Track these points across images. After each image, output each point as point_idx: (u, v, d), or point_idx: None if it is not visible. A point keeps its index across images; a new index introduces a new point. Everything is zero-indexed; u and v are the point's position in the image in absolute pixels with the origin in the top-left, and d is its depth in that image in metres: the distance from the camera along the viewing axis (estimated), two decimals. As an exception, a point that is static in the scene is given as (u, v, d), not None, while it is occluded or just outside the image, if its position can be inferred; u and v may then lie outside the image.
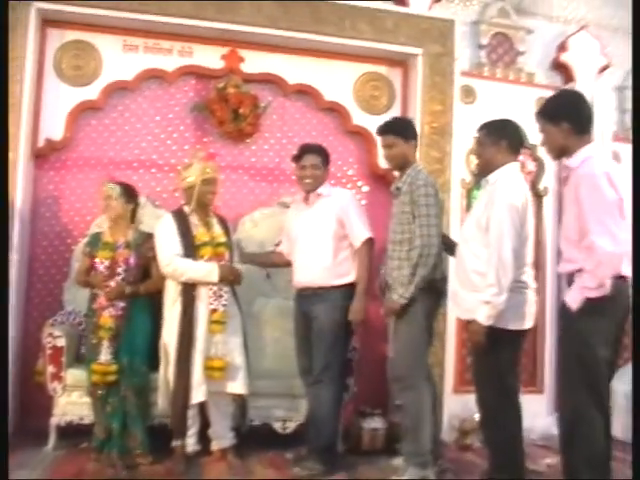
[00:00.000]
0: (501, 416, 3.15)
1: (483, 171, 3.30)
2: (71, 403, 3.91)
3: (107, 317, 3.75)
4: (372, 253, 3.76)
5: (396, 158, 3.53)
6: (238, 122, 4.65)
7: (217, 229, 3.84)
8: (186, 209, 3.84)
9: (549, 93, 3.48)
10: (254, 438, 4.01)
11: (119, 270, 3.85)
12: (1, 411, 2.81)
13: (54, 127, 4.49)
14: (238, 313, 3.85)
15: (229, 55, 4.70)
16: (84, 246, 4.05)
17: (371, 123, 4.68)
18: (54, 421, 3.92)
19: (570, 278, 2.81)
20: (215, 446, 3.82)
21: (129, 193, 3.94)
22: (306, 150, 3.85)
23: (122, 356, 3.73)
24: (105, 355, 3.70)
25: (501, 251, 2.99)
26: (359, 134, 4.93)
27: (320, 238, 3.76)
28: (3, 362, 2.96)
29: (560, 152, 2.86)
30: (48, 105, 4.49)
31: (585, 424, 2.70)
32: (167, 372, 3.73)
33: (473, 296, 3.10)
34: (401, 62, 4.93)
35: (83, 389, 3.86)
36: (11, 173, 4.16)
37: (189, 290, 3.70)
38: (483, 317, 3.04)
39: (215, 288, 3.71)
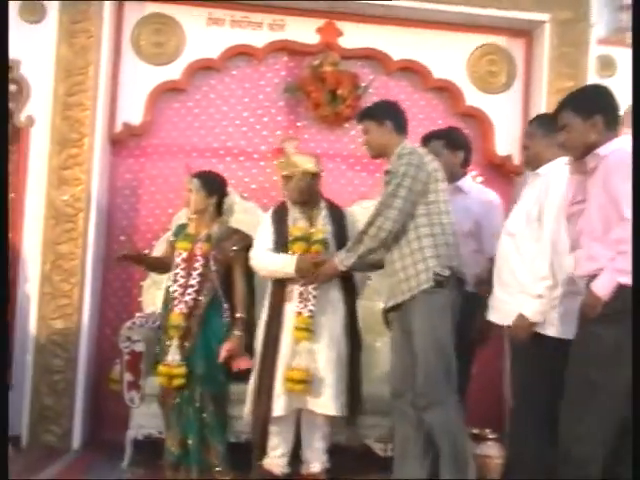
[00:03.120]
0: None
1: (530, 164, 3.33)
2: (150, 415, 3.94)
3: (177, 314, 3.76)
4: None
5: (370, 144, 3.51)
6: (335, 104, 4.68)
7: (322, 223, 3.82)
8: (288, 201, 3.89)
9: None
10: (351, 461, 4.01)
11: (196, 265, 3.86)
12: (1, 411, 2.88)
13: (132, 111, 4.59)
14: (342, 323, 3.79)
15: (325, 28, 4.74)
16: (171, 235, 4.13)
17: (487, 104, 4.67)
18: (130, 434, 3.98)
19: (591, 281, 2.74)
20: (305, 470, 3.82)
21: (212, 185, 3.96)
22: (426, 138, 3.82)
23: (197, 361, 3.75)
24: (173, 355, 3.70)
25: (557, 244, 3.00)
26: (473, 117, 4.88)
27: None
28: (3, 362, 3.09)
29: (586, 149, 2.83)
30: (126, 86, 4.60)
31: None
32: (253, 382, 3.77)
33: (518, 297, 3.09)
34: (524, 31, 4.86)
35: (163, 399, 3.85)
36: (87, 161, 4.32)
37: (278, 290, 3.75)
38: (531, 312, 3.02)
39: (301, 288, 3.69)
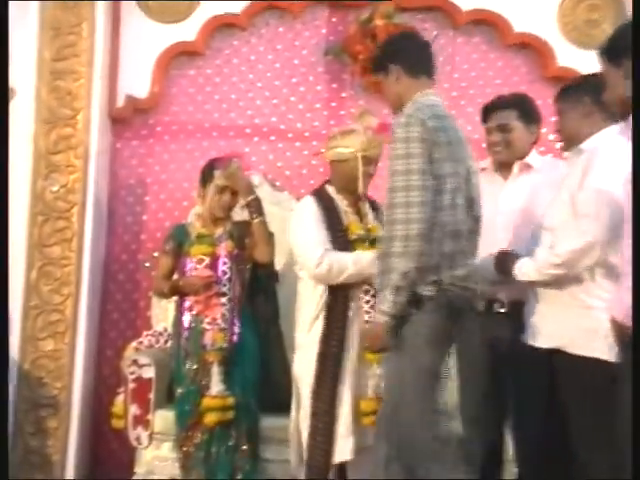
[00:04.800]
0: None
1: (570, 148, 3.17)
2: (160, 458, 3.81)
3: (218, 332, 3.69)
4: None
5: (388, 100, 3.30)
6: None
7: (371, 219, 3.70)
8: (330, 190, 3.69)
9: None
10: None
11: (224, 268, 3.78)
12: (1, 411, 2.99)
13: (138, 80, 4.49)
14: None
15: (375, -27, 4.57)
16: (165, 243, 3.98)
17: (586, 64, 4.27)
18: None
19: None
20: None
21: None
22: (492, 106, 3.60)
23: (234, 389, 3.67)
24: (217, 385, 3.61)
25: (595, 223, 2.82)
26: (566, 80, 4.34)
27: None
28: (3, 362, 3.09)
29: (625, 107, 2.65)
30: (129, 50, 4.50)
31: None
32: (298, 417, 3.58)
33: (561, 312, 2.95)
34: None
35: (178, 439, 3.81)
36: (81, 143, 4.24)
37: (338, 301, 3.54)
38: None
39: (373, 300, 3.49)
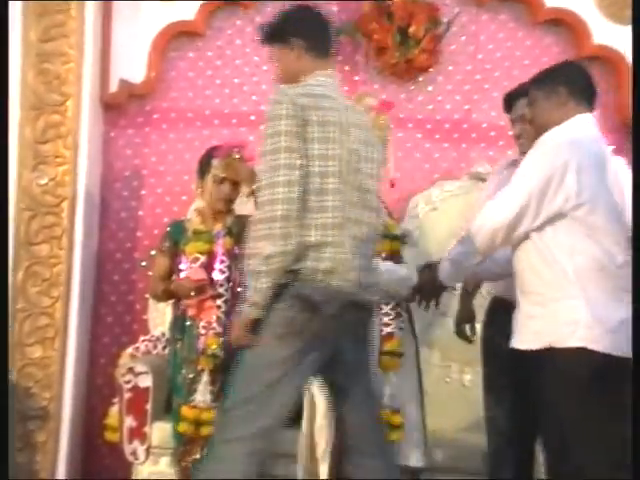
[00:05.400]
0: None
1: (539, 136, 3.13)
2: (158, 474, 3.75)
3: (212, 338, 3.66)
4: None
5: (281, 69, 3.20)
6: (407, 48, 4.46)
7: (382, 213, 3.65)
8: None
9: None
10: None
11: (222, 267, 3.72)
12: (1, 411, 3.00)
13: (132, 63, 4.45)
14: (413, 342, 3.79)
15: (392, -55, 4.55)
16: (161, 241, 3.96)
17: (624, 41, 4.28)
18: None
19: None
20: None
21: None
22: (515, 95, 3.54)
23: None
24: (203, 394, 3.61)
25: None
26: (602, 59, 4.54)
27: None
28: (3, 362, 3.14)
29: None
30: (123, 30, 4.44)
31: None
32: (312, 429, 3.58)
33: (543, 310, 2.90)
34: None
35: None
36: (72, 132, 4.17)
37: None
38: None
39: (392, 303, 3.62)
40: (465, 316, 3.58)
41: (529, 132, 3.40)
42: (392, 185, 4.06)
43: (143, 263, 4.39)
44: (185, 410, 3.59)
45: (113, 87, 4.39)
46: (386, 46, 4.44)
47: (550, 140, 2.84)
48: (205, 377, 3.64)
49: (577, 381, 2.82)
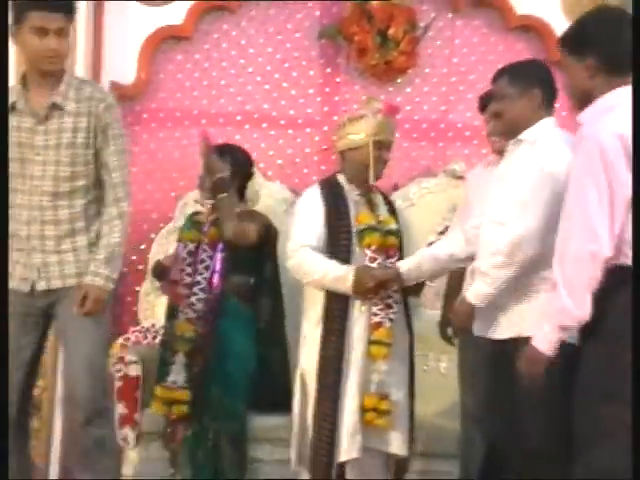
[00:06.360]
0: None
1: (508, 134, 3.22)
2: (149, 458, 3.82)
3: (183, 321, 3.75)
4: None
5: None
6: (386, 50, 4.49)
7: (384, 210, 3.74)
8: (341, 179, 3.71)
9: None
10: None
11: (203, 256, 3.82)
12: (1, 411, 2.92)
13: (122, 66, 4.47)
14: (407, 333, 3.72)
15: (370, -47, 4.54)
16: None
17: None
18: None
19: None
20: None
21: (236, 163, 3.92)
22: (489, 95, 3.57)
23: (210, 388, 3.68)
24: (176, 375, 3.68)
25: (529, 220, 2.95)
26: None
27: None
28: (3, 362, 3.03)
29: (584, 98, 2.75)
30: (113, 34, 4.47)
31: None
32: (305, 413, 3.60)
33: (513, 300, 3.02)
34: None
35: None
36: None
37: (339, 295, 3.57)
38: (477, 295, 3.06)
39: (382, 293, 3.56)
40: (448, 320, 3.63)
41: (499, 128, 3.45)
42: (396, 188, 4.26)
43: (142, 246, 4.48)
44: (158, 390, 3.65)
45: (104, 89, 4.29)
46: (367, 48, 4.47)
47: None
48: (180, 359, 3.68)
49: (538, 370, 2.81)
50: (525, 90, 3.11)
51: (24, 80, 3.18)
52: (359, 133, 3.62)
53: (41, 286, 3.18)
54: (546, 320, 2.59)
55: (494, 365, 3.11)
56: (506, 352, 2.93)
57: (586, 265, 2.45)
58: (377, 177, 3.65)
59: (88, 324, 3.19)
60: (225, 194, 3.73)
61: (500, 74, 3.17)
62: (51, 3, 3.10)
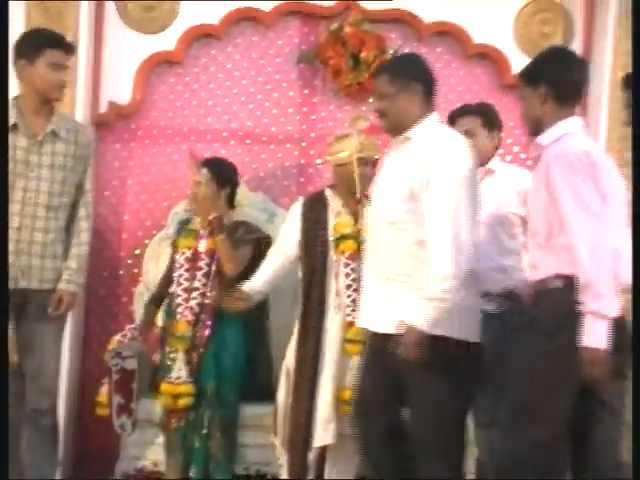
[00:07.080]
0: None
1: (394, 130, 3.16)
2: (143, 444, 3.97)
3: (183, 323, 3.85)
4: None
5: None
6: (359, 71, 4.59)
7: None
8: (327, 192, 3.89)
9: None
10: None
11: (201, 264, 3.92)
12: (1, 411, 2.97)
13: (120, 87, 4.58)
14: None
15: (344, -14, 4.58)
16: (172, 234, 4.23)
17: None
18: (121, 467, 3.99)
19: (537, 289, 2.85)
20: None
21: (224, 175, 4.03)
22: (457, 113, 3.74)
23: (206, 379, 3.80)
24: (178, 371, 3.76)
25: (458, 229, 2.87)
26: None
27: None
28: (3, 362, 3.15)
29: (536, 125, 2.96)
30: (111, 59, 4.58)
31: None
32: (287, 403, 3.79)
33: (404, 299, 2.93)
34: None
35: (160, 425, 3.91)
36: None
37: (314, 294, 3.75)
38: (423, 320, 2.83)
39: (349, 292, 3.68)
40: None
41: (471, 147, 3.26)
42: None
43: (137, 251, 4.61)
44: (163, 386, 3.75)
45: (103, 108, 4.54)
46: (341, 70, 4.56)
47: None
48: (180, 356, 3.79)
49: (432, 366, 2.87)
50: (405, 85, 3.07)
51: (16, 103, 3.50)
52: (345, 150, 3.77)
53: (22, 285, 3.46)
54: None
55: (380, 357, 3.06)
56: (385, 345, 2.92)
57: (610, 259, 2.62)
58: (362, 191, 3.70)
59: (55, 325, 3.58)
60: (223, 235, 3.83)
61: (379, 72, 3.17)
62: (65, 43, 3.49)
